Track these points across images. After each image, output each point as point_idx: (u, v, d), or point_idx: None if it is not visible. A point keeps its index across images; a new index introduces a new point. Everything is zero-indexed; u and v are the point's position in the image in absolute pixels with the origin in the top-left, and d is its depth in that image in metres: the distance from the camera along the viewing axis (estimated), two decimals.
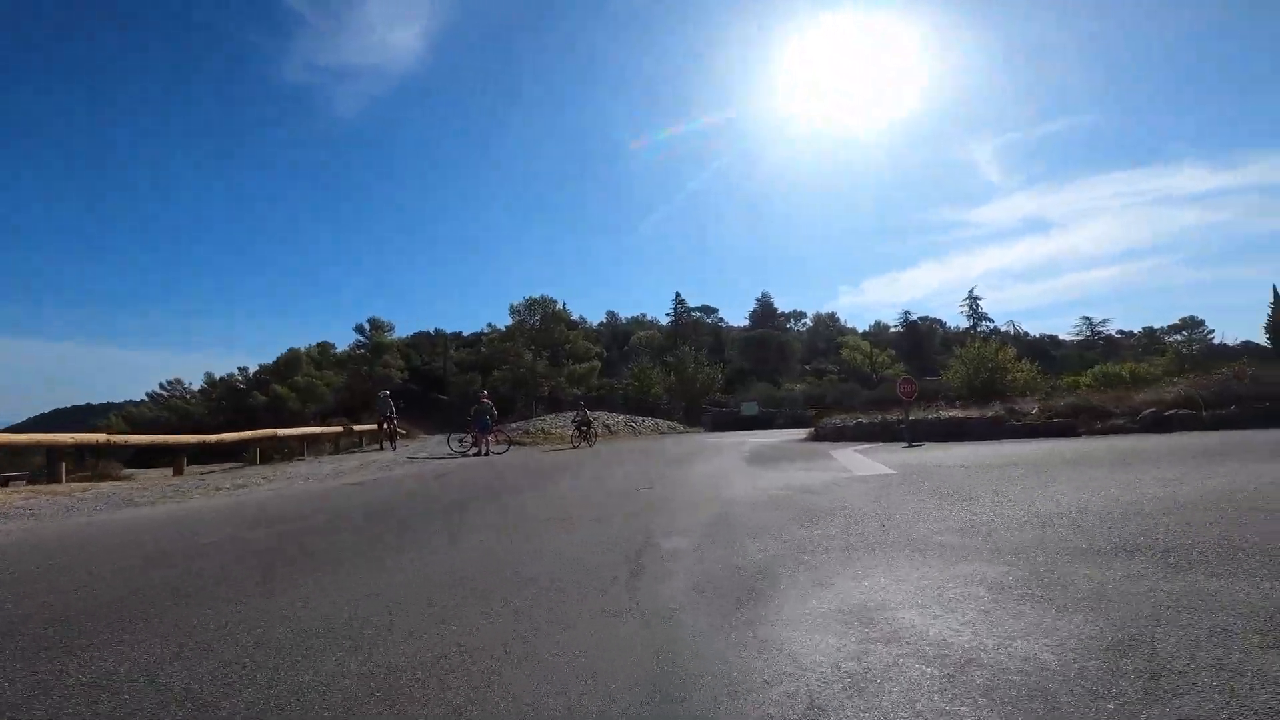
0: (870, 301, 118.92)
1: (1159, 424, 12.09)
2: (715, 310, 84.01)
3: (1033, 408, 15.03)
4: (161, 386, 73.89)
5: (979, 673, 2.24)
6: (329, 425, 21.20)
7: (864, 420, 19.13)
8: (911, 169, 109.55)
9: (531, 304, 55.72)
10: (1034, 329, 78.27)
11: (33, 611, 3.63)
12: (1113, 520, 4.57)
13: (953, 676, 2.22)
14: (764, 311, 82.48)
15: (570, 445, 21.41)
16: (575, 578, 3.90)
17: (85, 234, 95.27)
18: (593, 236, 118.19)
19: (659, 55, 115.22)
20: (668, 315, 79.78)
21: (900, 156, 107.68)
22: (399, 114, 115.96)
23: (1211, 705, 1.91)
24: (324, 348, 76.68)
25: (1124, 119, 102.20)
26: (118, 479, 12.23)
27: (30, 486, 10.32)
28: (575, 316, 65.25)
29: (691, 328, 74.35)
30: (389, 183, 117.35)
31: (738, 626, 2.90)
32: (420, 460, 15.22)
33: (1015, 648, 2.43)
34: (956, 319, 79.88)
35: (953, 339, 72.95)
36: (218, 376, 75.30)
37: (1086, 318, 77.62)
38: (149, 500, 8.73)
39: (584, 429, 21.91)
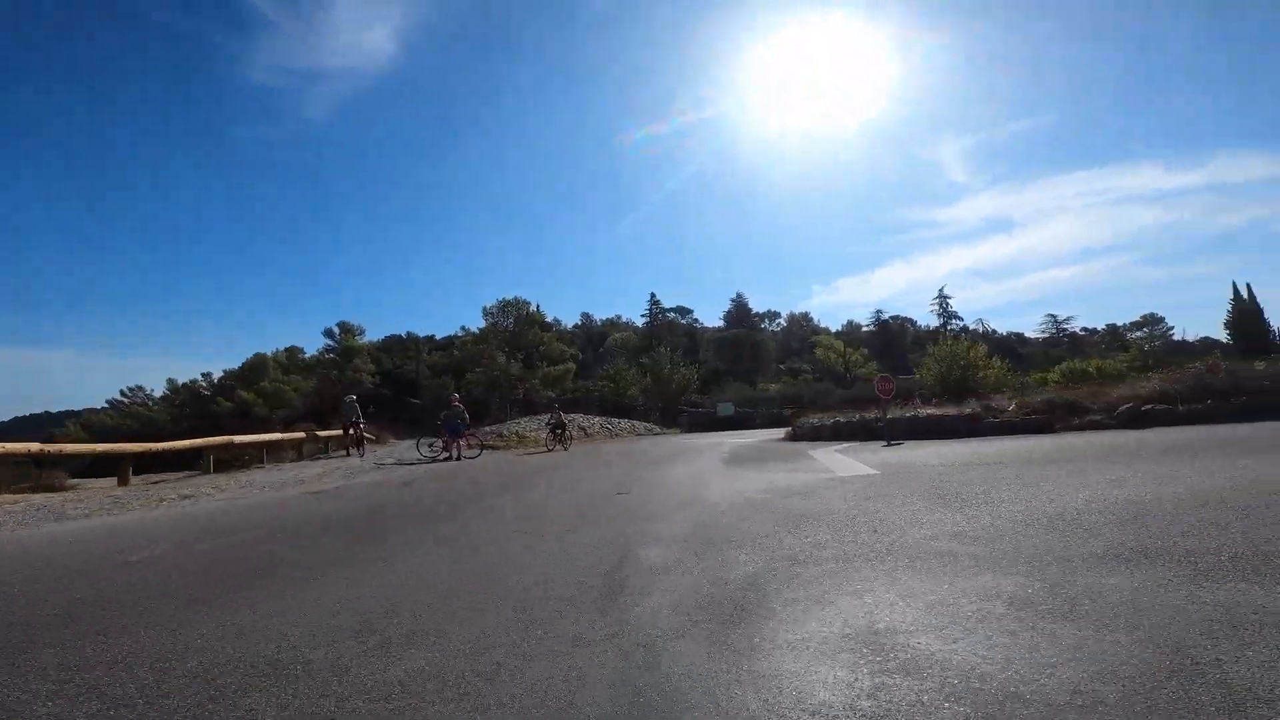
0: (843, 301, 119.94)
1: (1135, 419, 12.05)
2: (690, 311, 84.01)
3: (1009, 405, 14.97)
4: (123, 393, 71.85)
5: (1025, 711, 1.88)
6: (293, 431, 20.36)
7: (841, 419, 18.98)
8: (881, 170, 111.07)
9: (505, 306, 54.92)
10: (1001, 327, 79.77)
11: None
12: (1121, 522, 4.29)
13: (994, 718, 1.86)
14: (738, 312, 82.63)
15: (545, 449, 20.91)
16: (543, 599, 3.48)
17: (46, 238, 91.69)
18: (567, 238, 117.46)
19: (635, 55, 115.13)
20: (643, 316, 79.47)
21: (870, 157, 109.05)
22: (370, 116, 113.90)
23: None
24: (292, 352, 75.09)
25: (1084, 119, 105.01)
26: (60, 490, 11.44)
27: None
28: (550, 319, 64.59)
29: (667, 329, 74.13)
30: (360, 185, 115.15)
31: (729, 656, 2.51)
32: (388, 466, 14.60)
33: (1060, 677, 2.08)
34: (926, 318, 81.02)
35: (923, 337, 73.92)
36: (181, 383, 73.37)
37: (1051, 315, 79.25)
38: (83, 513, 8.06)
39: (559, 432, 21.42)
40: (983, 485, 6.43)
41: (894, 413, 16.50)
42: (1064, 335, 77.88)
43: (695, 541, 4.74)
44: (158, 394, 72.83)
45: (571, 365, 55.90)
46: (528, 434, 27.36)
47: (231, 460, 16.04)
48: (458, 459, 16.67)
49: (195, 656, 2.83)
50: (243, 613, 3.51)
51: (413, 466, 14.53)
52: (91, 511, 8.17)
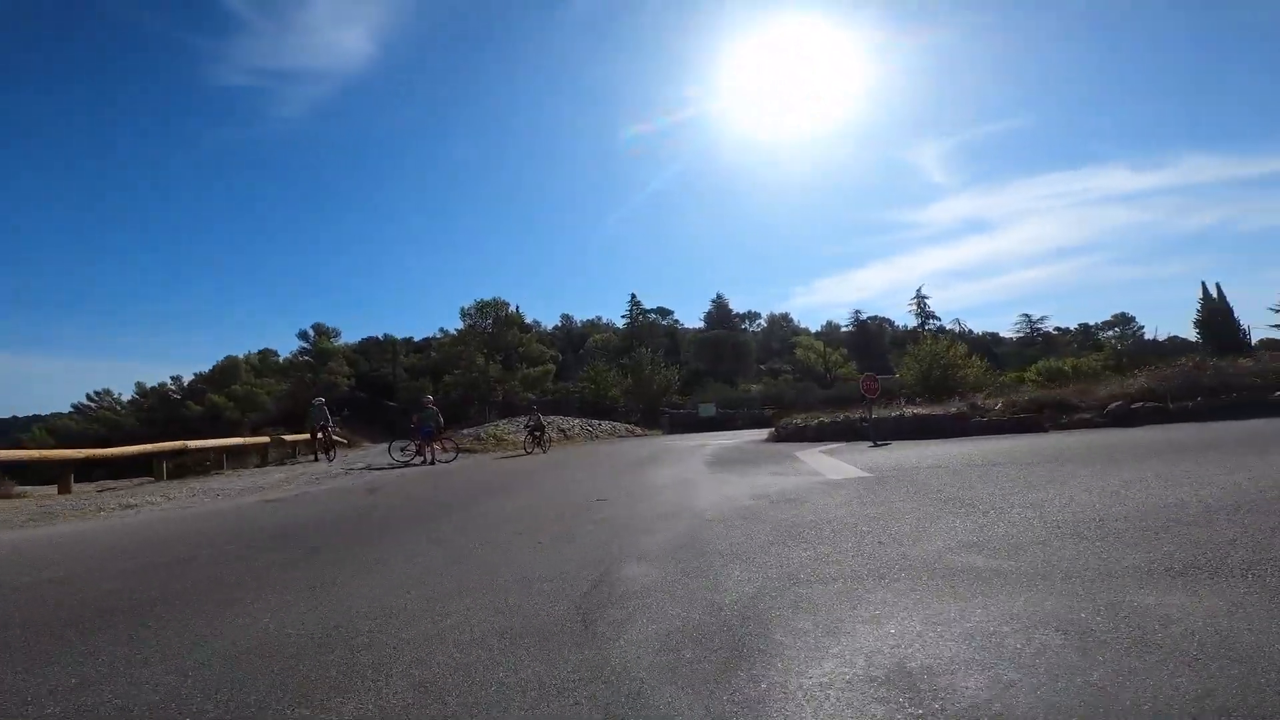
0: (821, 302, 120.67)
1: (1125, 418, 11.84)
2: (671, 312, 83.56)
3: (996, 403, 14.73)
4: (89, 397, 70.01)
5: None
6: (260, 435, 19.52)
7: (825, 419, 18.65)
8: (860, 171, 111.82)
9: (483, 307, 54.09)
10: (977, 327, 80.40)
11: None
12: (1154, 529, 3.88)
13: None
14: (719, 313, 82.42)
15: (523, 451, 20.31)
16: (508, 631, 2.97)
17: (13, 240, 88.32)
18: (549, 240, 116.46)
19: (618, 55, 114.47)
20: (623, 317, 78.91)
21: (849, 159, 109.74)
22: (347, 116, 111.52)
23: None
24: (265, 355, 73.60)
25: (1056, 122, 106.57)
26: (4, 498, 10.61)
27: None
28: (529, 320, 63.87)
29: (647, 330, 73.65)
30: (337, 186, 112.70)
31: (733, 709, 2.02)
32: (356, 471, 13.92)
33: None
34: (904, 318, 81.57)
35: (901, 337, 74.34)
36: (149, 386, 71.62)
37: (1026, 315, 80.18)
38: (1, 524, 7.32)
39: (537, 434, 20.81)
40: (986, 488, 6.04)
41: (879, 412, 16.18)
42: (1038, 335, 78.85)
43: (682, 557, 4.25)
44: (126, 398, 71.22)
45: (551, 367, 55.20)
46: (506, 436, 26.73)
47: (193, 466, 15.23)
48: (431, 463, 16.02)
49: (51, 701, 2.27)
50: (137, 648, 2.94)
51: (383, 471, 13.86)
52: (13, 523, 7.44)
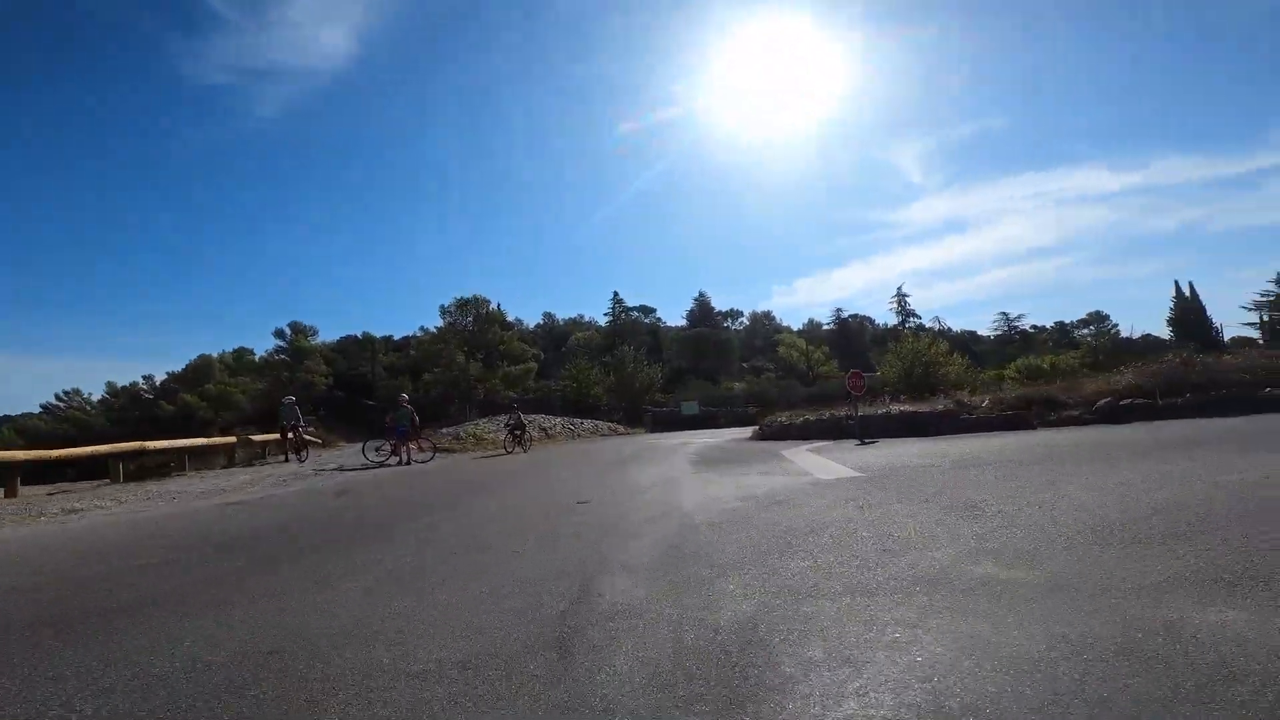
0: (802, 301, 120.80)
1: (1114, 414, 11.70)
2: (653, 310, 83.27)
3: (983, 401, 14.57)
4: (58, 397, 68.44)
5: None
6: (228, 435, 18.82)
7: (811, 417, 18.41)
8: (840, 171, 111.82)
9: (463, 305, 53.33)
10: (956, 325, 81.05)
11: None
12: (1183, 534, 3.58)
13: None
14: (701, 311, 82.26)
15: (503, 451, 19.84)
16: (472, 659, 2.57)
17: None
18: (532, 238, 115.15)
19: (605, 54, 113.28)
20: (605, 315, 78.47)
21: (829, 159, 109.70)
22: (326, 115, 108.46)
23: None
24: (240, 354, 72.27)
25: (1031, 122, 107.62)
26: None
27: None
28: (511, 318, 63.15)
29: (630, 328, 73.29)
30: (316, 184, 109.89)
31: None
32: (328, 473, 13.36)
33: None
34: (884, 316, 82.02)
35: (881, 335, 74.80)
36: (120, 385, 70.17)
37: (1004, 313, 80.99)
38: None
39: (517, 433, 20.32)
40: (986, 489, 5.75)
41: (864, 410, 15.97)
42: (1016, 333, 79.74)
43: (669, 568, 3.87)
44: (96, 398, 69.73)
45: (533, 365, 54.59)
46: (486, 435, 26.22)
47: (155, 468, 14.54)
48: (407, 463, 15.52)
49: None
50: (35, 680, 2.49)
51: (355, 473, 13.33)
52: None
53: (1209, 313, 55.88)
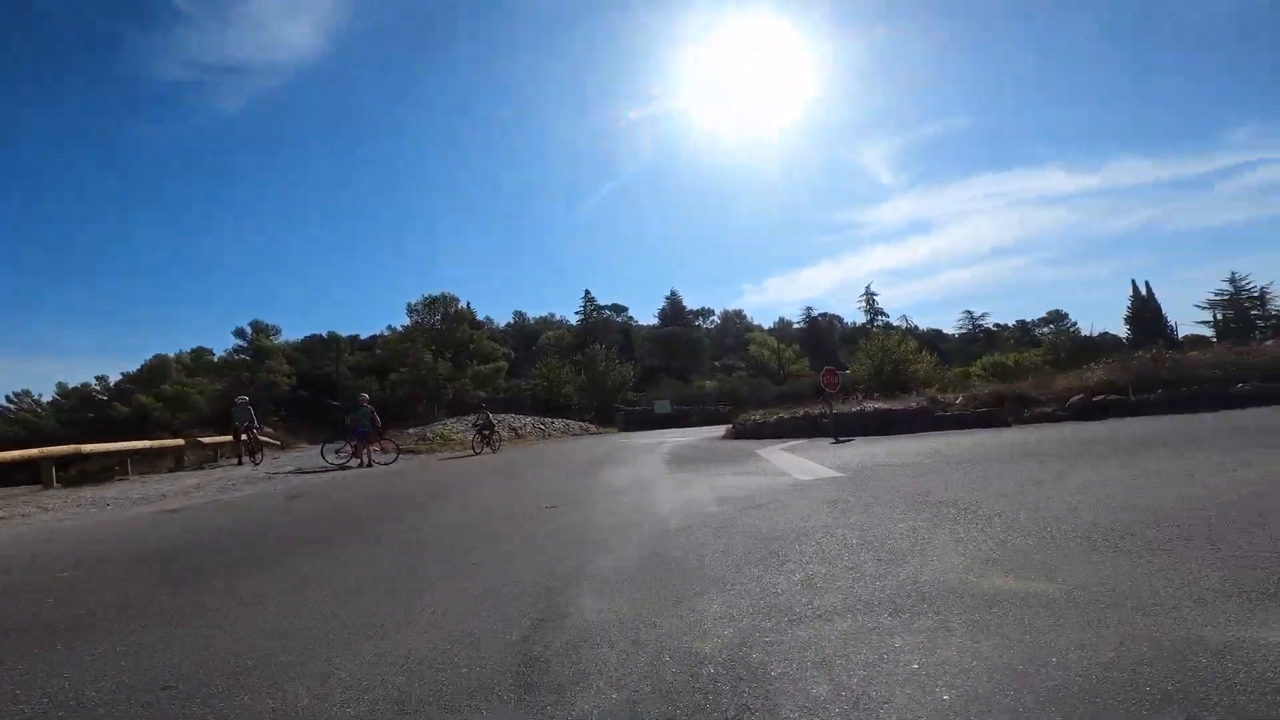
0: (773, 299, 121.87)
1: (1087, 411, 11.68)
2: (625, 309, 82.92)
3: (957, 398, 14.52)
4: (8, 399, 66.18)
5: None
6: (176, 437, 17.89)
7: (785, 415, 18.22)
8: (810, 171, 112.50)
9: (431, 303, 52.27)
10: (922, 323, 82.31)
11: None
12: (1203, 538, 3.30)
13: None
14: (673, 309, 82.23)
15: (471, 452, 19.26)
16: (409, 700, 2.15)
17: None
18: (502, 237, 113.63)
19: (579, 53, 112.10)
20: (577, 314, 77.87)
21: (800, 159, 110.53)
22: (291, 111, 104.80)
23: None
24: (199, 354, 70.23)
25: (993, 124, 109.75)
26: None
27: None
28: (481, 317, 62.18)
29: (601, 326, 72.80)
30: (280, 181, 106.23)
31: None
32: (282, 476, 12.68)
33: None
34: (853, 314, 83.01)
35: (851, 334, 75.63)
36: (72, 386, 67.89)
37: (968, 312, 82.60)
38: None
39: (486, 433, 19.78)
40: (975, 490, 5.49)
41: (838, 407, 15.81)
42: (980, 331, 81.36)
43: (644, 582, 3.49)
44: (47, 399, 67.41)
45: (503, 364, 53.73)
46: (454, 436, 25.55)
47: (97, 472, 13.65)
48: (368, 465, 14.89)
49: None
50: None
51: (312, 476, 12.68)
52: None
53: (1164, 311, 57.61)
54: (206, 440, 17.06)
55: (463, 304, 53.52)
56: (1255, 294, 54.63)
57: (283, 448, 22.18)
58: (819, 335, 77.86)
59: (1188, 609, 2.38)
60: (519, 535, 5.16)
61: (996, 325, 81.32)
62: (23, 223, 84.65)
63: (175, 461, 15.59)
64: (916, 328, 78.99)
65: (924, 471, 6.88)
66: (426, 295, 51.19)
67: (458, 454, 19.50)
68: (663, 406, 41.87)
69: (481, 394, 42.85)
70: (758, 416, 19.74)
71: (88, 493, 10.22)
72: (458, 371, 50.42)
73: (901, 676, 2.06)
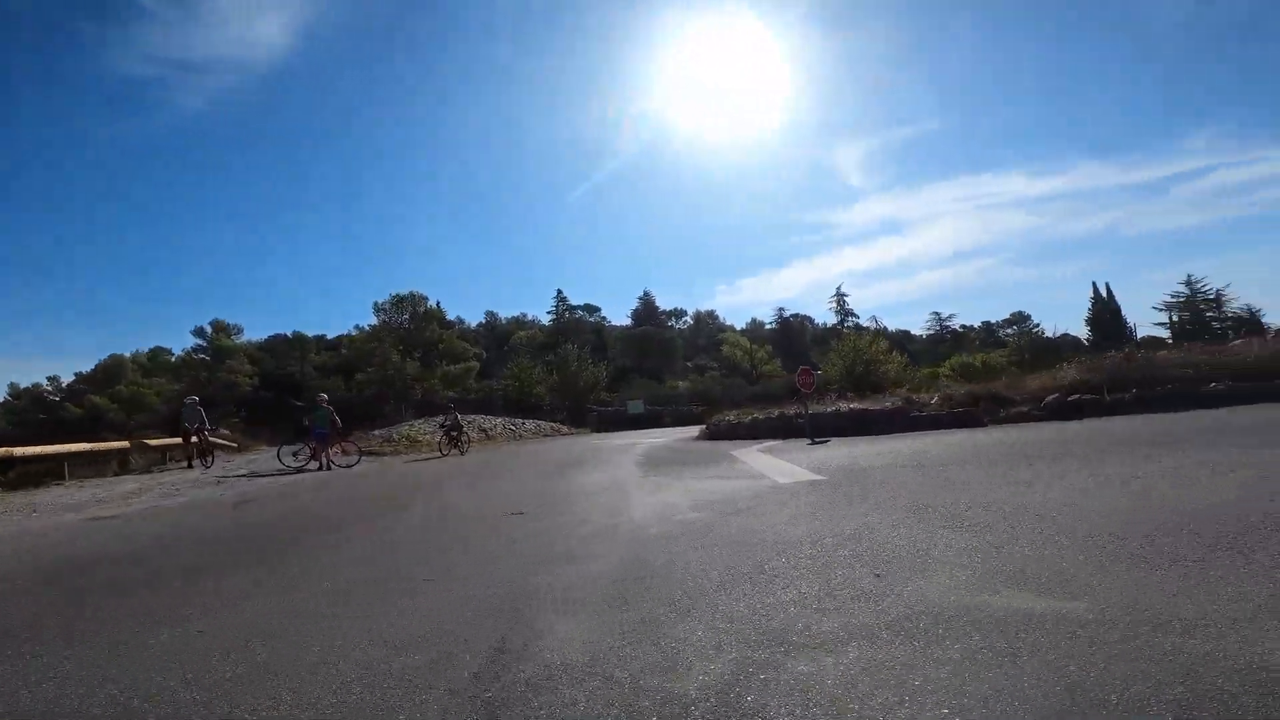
0: (746, 300, 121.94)
1: (1062, 410, 11.63)
2: (598, 309, 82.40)
3: (932, 397, 14.42)
4: None
5: None
6: (127, 439, 16.92)
7: (760, 416, 17.97)
8: (784, 172, 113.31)
9: (399, 302, 51.15)
10: (891, 324, 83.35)
11: None
12: (1233, 549, 3.03)
13: None
14: (646, 310, 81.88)
15: (438, 453, 18.64)
16: None
17: None
18: (475, 237, 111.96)
19: (553, 53, 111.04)
20: (549, 314, 77.12)
21: (774, 160, 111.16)
22: (257, 108, 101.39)
23: None
24: (155, 353, 68.01)
25: (960, 128, 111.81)
26: None
27: None
28: (452, 317, 61.07)
29: (574, 326, 72.17)
30: (245, 180, 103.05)
31: None
32: (232, 480, 11.98)
33: None
34: (824, 315, 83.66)
35: (822, 335, 76.25)
36: (23, 386, 65.35)
37: (936, 313, 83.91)
38: None
39: (454, 435, 19.16)
40: (964, 493, 5.22)
41: (813, 407, 15.61)
42: (947, 332, 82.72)
43: (617, 603, 3.10)
44: None
45: (474, 364, 52.79)
46: (421, 437, 24.84)
47: (37, 477, 12.74)
48: (327, 469, 14.21)
49: None
50: None
51: (266, 480, 12.00)
52: None
53: (1124, 313, 59.14)
54: (154, 442, 16.14)
55: (432, 303, 52.50)
56: (1211, 296, 56.35)
57: (239, 450, 21.25)
58: (791, 336, 78.30)
59: (1246, 629, 2.08)
60: (482, 544, 4.73)
61: (963, 326, 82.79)
62: None
63: (120, 465, 14.70)
64: (886, 329, 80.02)
65: (907, 474, 6.62)
66: (395, 294, 50.01)
67: (424, 456, 18.87)
68: (636, 407, 41.50)
69: (451, 394, 41.97)
70: (732, 417, 19.47)
71: (19, 498, 9.45)
72: (426, 372, 49.39)
73: None
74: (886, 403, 15.03)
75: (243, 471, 13.62)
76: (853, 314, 78.86)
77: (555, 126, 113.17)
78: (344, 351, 61.67)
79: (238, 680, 2.44)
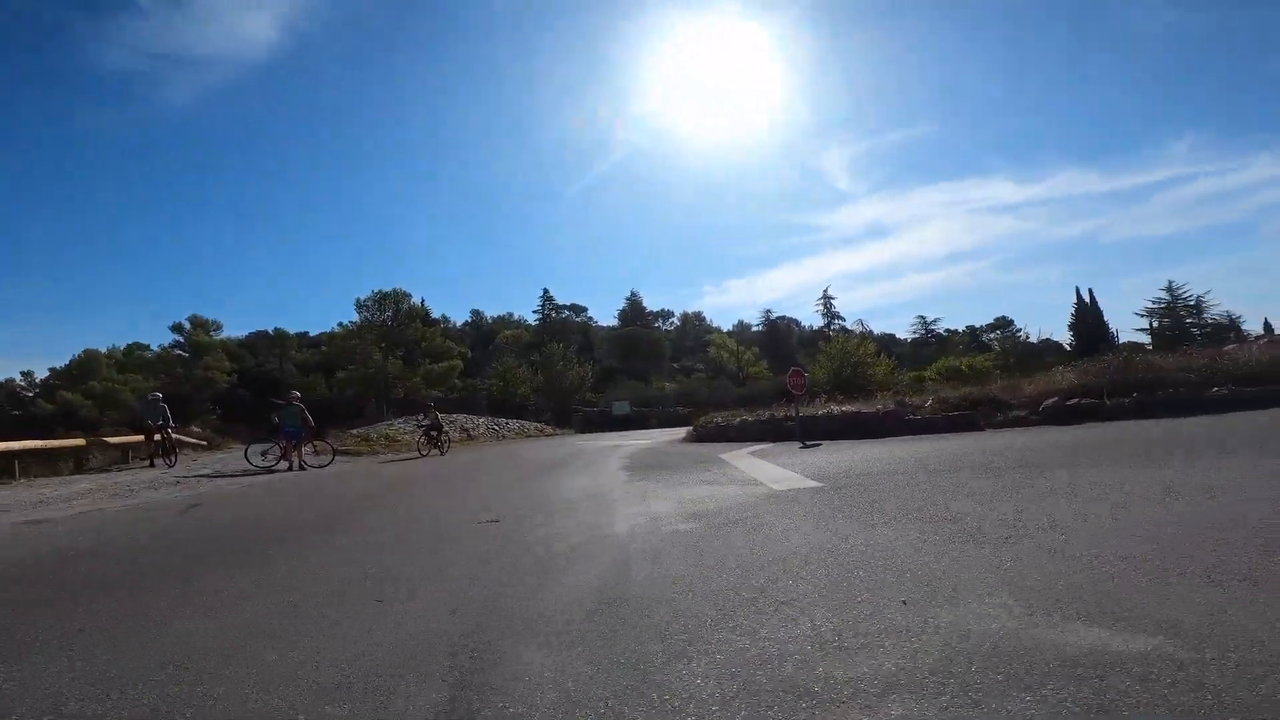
0: (733, 301, 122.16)
1: (1062, 415, 11.29)
2: (585, 309, 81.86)
3: (926, 400, 14.05)
4: None
5: None
6: (82, 437, 16.12)
7: (749, 418, 17.54)
8: (771, 176, 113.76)
9: (381, 299, 50.12)
10: (876, 328, 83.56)
11: None
12: None
13: None
14: (633, 310, 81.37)
15: (417, 454, 18.04)
16: None
17: None
18: (463, 236, 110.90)
19: (544, 55, 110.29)
20: (535, 313, 76.41)
21: (764, 163, 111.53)
22: (244, 104, 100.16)
23: None
24: (132, 349, 66.58)
25: (947, 133, 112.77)
26: None
27: None
28: (437, 315, 60.20)
29: (560, 326, 71.52)
30: (230, 175, 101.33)
31: None
32: (193, 480, 11.32)
33: None
34: (811, 318, 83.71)
35: (809, 337, 76.19)
36: None
37: (921, 317, 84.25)
38: None
39: (434, 434, 18.57)
40: (978, 503, 4.77)
41: (803, 410, 15.18)
42: (932, 336, 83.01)
43: (598, 636, 2.59)
44: None
45: (458, 363, 51.93)
46: (400, 437, 24.22)
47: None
48: (301, 469, 13.58)
49: None
50: None
51: (230, 480, 11.36)
52: None
53: (1106, 319, 59.60)
54: (113, 440, 15.38)
55: (415, 300, 51.57)
56: (1191, 303, 56.92)
57: (209, 448, 20.50)
58: (778, 338, 78.13)
59: None
60: (449, 556, 4.21)
61: (947, 330, 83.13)
62: None
63: (77, 464, 13.95)
64: (871, 332, 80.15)
65: (912, 481, 6.18)
66: (377, 291, 49.03)
67: (402, 456, 18.26)
68: (621, 408, 41.03)
69: (435, 393, 41.20)
70: (720, 419, 19.04)
71: None
72: (409, 370, 48.52)
73: None
74: (878, 405, 14.65)
75: (206, 471, 12.96)
76: (839, 316, 78.95)
77: (546, 128, 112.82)
78: (324, 349, 60.62)
79: None
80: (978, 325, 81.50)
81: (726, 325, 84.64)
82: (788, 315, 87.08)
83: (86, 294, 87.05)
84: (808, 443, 12.45)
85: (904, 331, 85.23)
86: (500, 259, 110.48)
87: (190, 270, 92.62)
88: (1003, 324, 78.49)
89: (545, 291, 74.97)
